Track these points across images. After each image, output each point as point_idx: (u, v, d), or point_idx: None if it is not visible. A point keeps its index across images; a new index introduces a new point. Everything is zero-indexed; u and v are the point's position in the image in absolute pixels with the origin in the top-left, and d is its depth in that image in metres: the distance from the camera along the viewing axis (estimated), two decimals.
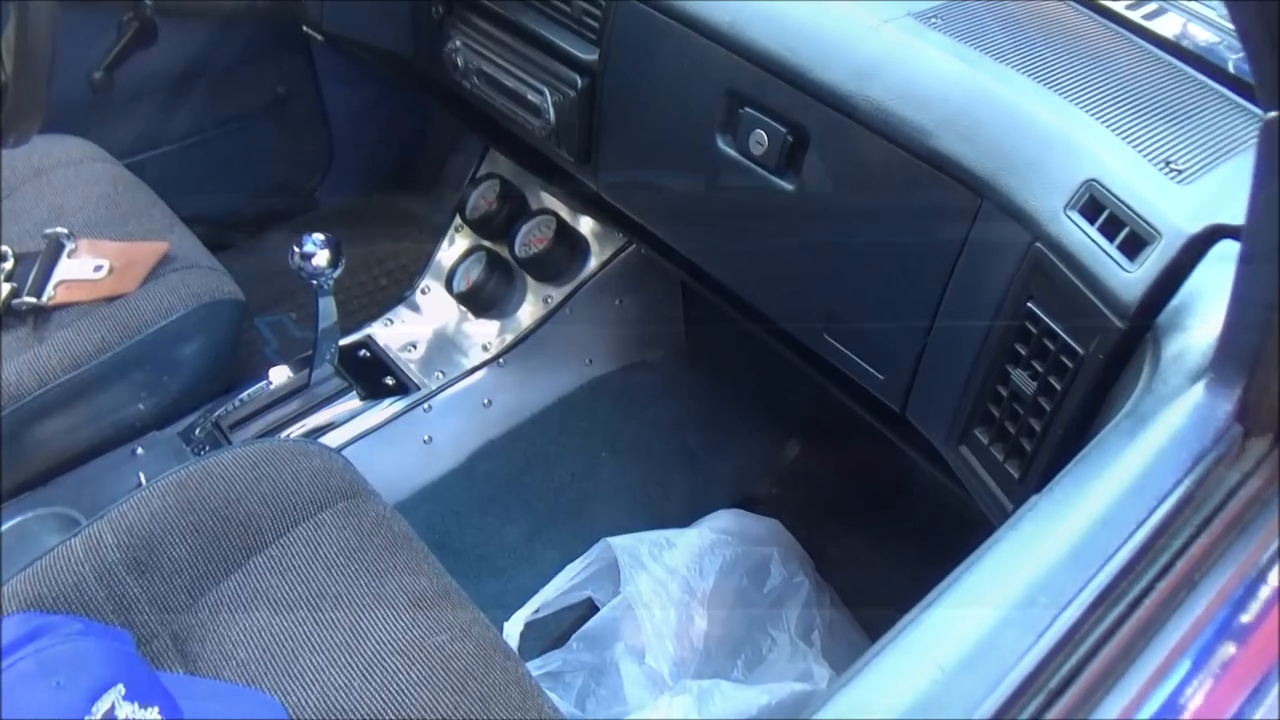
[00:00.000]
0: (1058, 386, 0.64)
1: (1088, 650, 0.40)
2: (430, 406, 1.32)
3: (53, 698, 0.75)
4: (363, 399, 1.31)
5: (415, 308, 1.47)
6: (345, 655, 0.83)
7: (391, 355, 1.38)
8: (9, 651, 0.78)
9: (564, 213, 1.39)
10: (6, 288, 1.25)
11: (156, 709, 0.76)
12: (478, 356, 1.37)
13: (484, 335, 1.39)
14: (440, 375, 1.35)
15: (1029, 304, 0.66)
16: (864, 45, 0.78)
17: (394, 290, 1.69)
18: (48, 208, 1.40)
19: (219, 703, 0.84)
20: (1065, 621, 0.40)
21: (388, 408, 1.31)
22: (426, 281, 1.48)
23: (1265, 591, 0.43)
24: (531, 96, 1.02)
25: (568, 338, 1.38)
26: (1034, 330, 0.66)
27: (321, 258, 1.14)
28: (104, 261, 1.27)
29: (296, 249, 1.15)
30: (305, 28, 1.41)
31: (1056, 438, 0.65)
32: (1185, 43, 0.80)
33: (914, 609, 0.42)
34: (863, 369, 0.84)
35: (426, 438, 1.31)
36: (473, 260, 1.42)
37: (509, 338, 1.38)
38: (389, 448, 1.28)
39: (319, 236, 1.15)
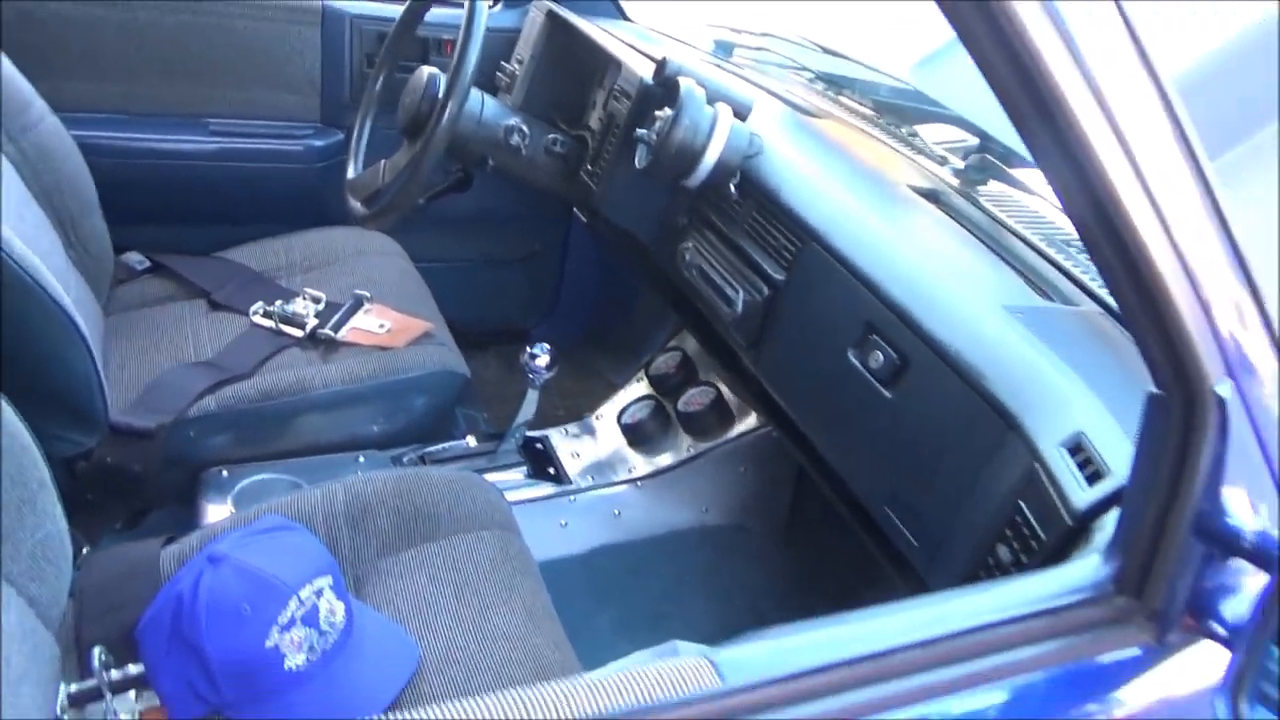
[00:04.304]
0: (1024, 560, 0.90)
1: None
2: (575, 500, 1.65)
3: (287, 562, 1.03)
4: (528, 476, 1.66)
5: (589, 428, 1.84)
6: (470, 628, 1.13)
7: (559, 454, 1.74)
8: (268, 529, 1.12)
9: (724, 389, 1.75)
10: (315, 320, 1.71)
11: (343, 606, 1.06)
12: (623, 475, 1.71)
13: (632, 461, 1.74)
14: (590, 479, 1.69)
15: (1019, 501, 0.94)
16: (960, 311, 1.11)
17: (569, 418, 2.07)
18: (358, 277, 1.88)
19: (376, 626, 1.13)
20: None
21: (544, 488, 1.66)
22: (602, 410, 1.86)
23: None
24: (729, 291, 1.40)
25: (695, 485, 1.70)
26: (1018, 520, 0.93)
27: (543, 360, 1.54)
28: (386, 322, 1.71)
29: (529, 348, 1.55)
30: (575, 208, 1.87)
31: None
32: None
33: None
34: (905, 537, 1.11)
35: (563, 522, 1.63)
36: (643, 403, 1.80)
37: (650, 469, 1.71)
38: (534, 518, 1.60)
39: (547, 345, 1.56)
